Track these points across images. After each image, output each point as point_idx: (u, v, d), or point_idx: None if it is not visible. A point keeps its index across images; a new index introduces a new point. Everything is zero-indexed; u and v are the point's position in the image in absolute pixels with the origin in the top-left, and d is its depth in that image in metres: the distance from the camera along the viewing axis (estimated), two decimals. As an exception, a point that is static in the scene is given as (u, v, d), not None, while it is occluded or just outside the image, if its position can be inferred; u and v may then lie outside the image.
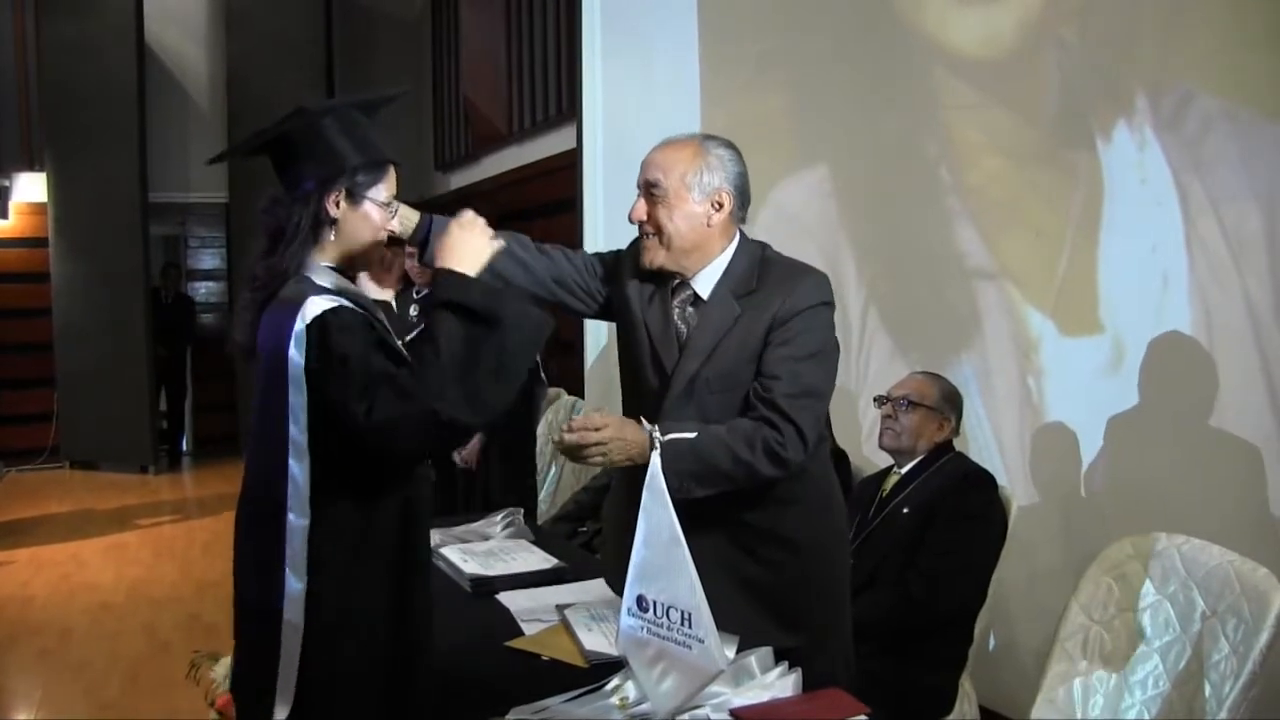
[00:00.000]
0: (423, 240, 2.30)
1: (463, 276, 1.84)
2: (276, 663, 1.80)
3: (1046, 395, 3.37)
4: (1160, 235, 2.98)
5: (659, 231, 2.29)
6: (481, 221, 1.95)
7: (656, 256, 2.31)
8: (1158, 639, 2.34)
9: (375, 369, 1.73)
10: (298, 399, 1.76)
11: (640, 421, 2.13)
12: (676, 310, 2.36)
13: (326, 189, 1.89)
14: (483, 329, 1.77)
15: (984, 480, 2.96)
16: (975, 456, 3.24)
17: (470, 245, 1.90)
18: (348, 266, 1.97)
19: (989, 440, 3.53)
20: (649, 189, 2.29)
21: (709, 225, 2.28)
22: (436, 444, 1.77)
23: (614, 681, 1.98)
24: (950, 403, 3.07)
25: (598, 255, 2.55)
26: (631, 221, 2.33)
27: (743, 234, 2.37)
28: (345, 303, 1.81)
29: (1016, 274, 3.46)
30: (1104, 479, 3.17)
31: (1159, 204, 2.98)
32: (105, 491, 8.65)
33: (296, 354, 1.75)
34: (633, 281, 2.41)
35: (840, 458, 3.51)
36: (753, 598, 2.29)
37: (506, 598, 2.57)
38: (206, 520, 7.62)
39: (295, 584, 1.78)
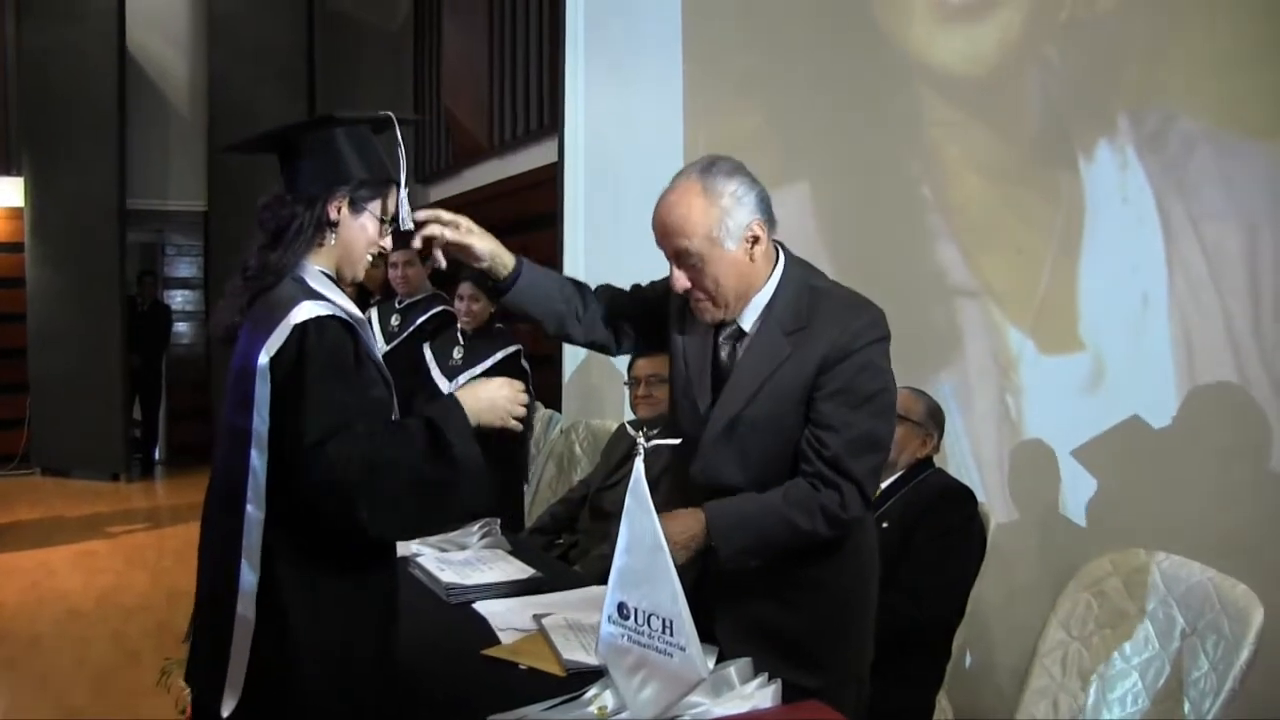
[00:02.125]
0: (508, 285, 2.28)
1: (459, 410, 1.91)
2: (228, 654, 1.82)
3: (1025, 413, 3.38)
4: (1141, 254, 2.99)
5: (710, 295, 2.15)
6: (519, 388, 2.01)
7: (715, 315, 2.18)
8: (1137, 656, 2.34)
9: (335, 399, 1.78)
10: (262, 390, 1.79)
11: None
12: (725, 347, 2.24)
13: (331, 194, 1.94)
14: (440, 459, 1.83)
15: (963, 495, 2.96)
16: (954, 473, 3.24)
17: (490, 400, 1.98)
18: (338, 275, 2.01)
19: (967, 457, 3.54)
20: (679, 259, 2.13)
21: (752, 262, 2.14)
22: (337, 511, 1.78)
23: (592, 690, 1.96)
24: (934, 419, 3.08)
25: (644, 289, 2.46)
26: (677, 291, 2.18)
27: (786, 254, 2.23)
28: (336, 313, 1.84)
29: (997, 292, 3.47)
30: (1082, 496, 3.17)
31: (1140, 223, 2.99)
32: (76, 499, 8.56)
33: (271, 347, 1.80)
34: (676, 315, 2.31)
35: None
36: (769, 637, 2.17)
37: (483, 607, 2.55)
38: (179, 528, 7.54)
39: (249, 576, 1.81)
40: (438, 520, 1.91)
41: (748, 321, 2.19)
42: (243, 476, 1.80)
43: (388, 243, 2.05)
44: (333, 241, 1.97)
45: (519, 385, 2.03)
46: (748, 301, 2.18)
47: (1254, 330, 2.73)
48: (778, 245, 2.23)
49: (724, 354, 2.24)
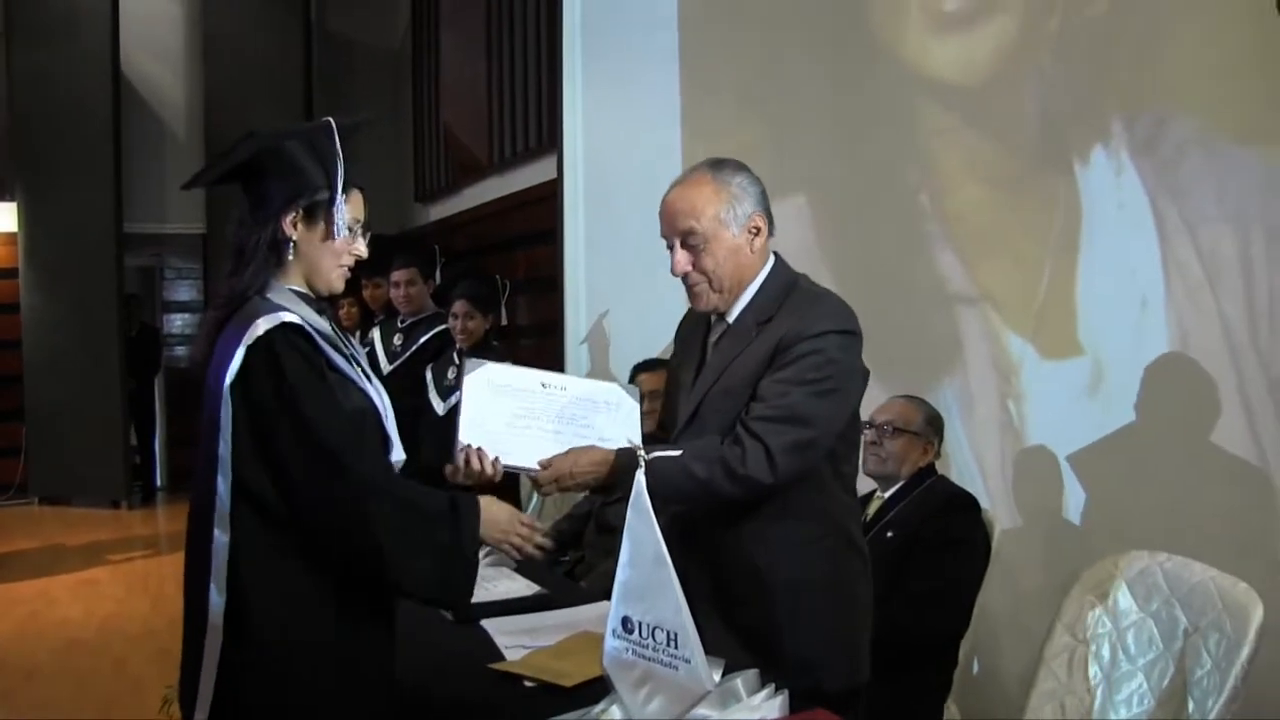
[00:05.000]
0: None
1: (476, 513, 1.94)
2: (199, 678, 1.83)
3: (1027, 418, 3.38)
4: (1138, 258, 3.00)
5: (707, 277, 2.23)
6: (527, 522, 2.05)
7: (710, 300, 2.26)
8: (1142, 657, 2.34)
9: (311, 407, 1.79)
10: (225, 415, 1.80)
11: (639, 450, 2.10)
12: (712, 340, 2.33)
13: (285, 210, 1.92)
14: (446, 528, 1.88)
15: (967, 503, 2.97)
16: (956, 480, 3.23)
17: (499, 526, 1.99)
18: (314, 291, 1.99)
19: (970, 464, 3.53)
20: (685, 239, 2.22)
21: (751, 252, 2.24)
22: (344, 523, 1.81)
23: (599, 706, 1.96)
24: (933, 426, 3.08)
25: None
26: (675, 275, 2.26)
27: (777, 258, 2.31)
28: (296, 320, 1.83)
29: (996, 298, 3.48)
30: (1085, 500, 3.17)
31: (1136, 227, 3.00)
32: (76, 527, 8.46)
33: (231, 370, 1.80)
34: (677, 342, 2.45)
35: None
36: (743, 639, 2.17)
37: (489, 624, 2.55)
38: (180, 555, 7.32)
39: (216, 598, 1.82)
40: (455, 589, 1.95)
41: (733, 314, 2.28)
42: (210, 501, 1.81)
43: (360, 247, 2.00)
44: (292, 257, 1.93)
45: (528, 521, 2.04)
46: (739, 294, 2.27)
47: (1250, 332, 2.74)
48: (775, 254, 2.32)
49: (710, 346, 2.33)
